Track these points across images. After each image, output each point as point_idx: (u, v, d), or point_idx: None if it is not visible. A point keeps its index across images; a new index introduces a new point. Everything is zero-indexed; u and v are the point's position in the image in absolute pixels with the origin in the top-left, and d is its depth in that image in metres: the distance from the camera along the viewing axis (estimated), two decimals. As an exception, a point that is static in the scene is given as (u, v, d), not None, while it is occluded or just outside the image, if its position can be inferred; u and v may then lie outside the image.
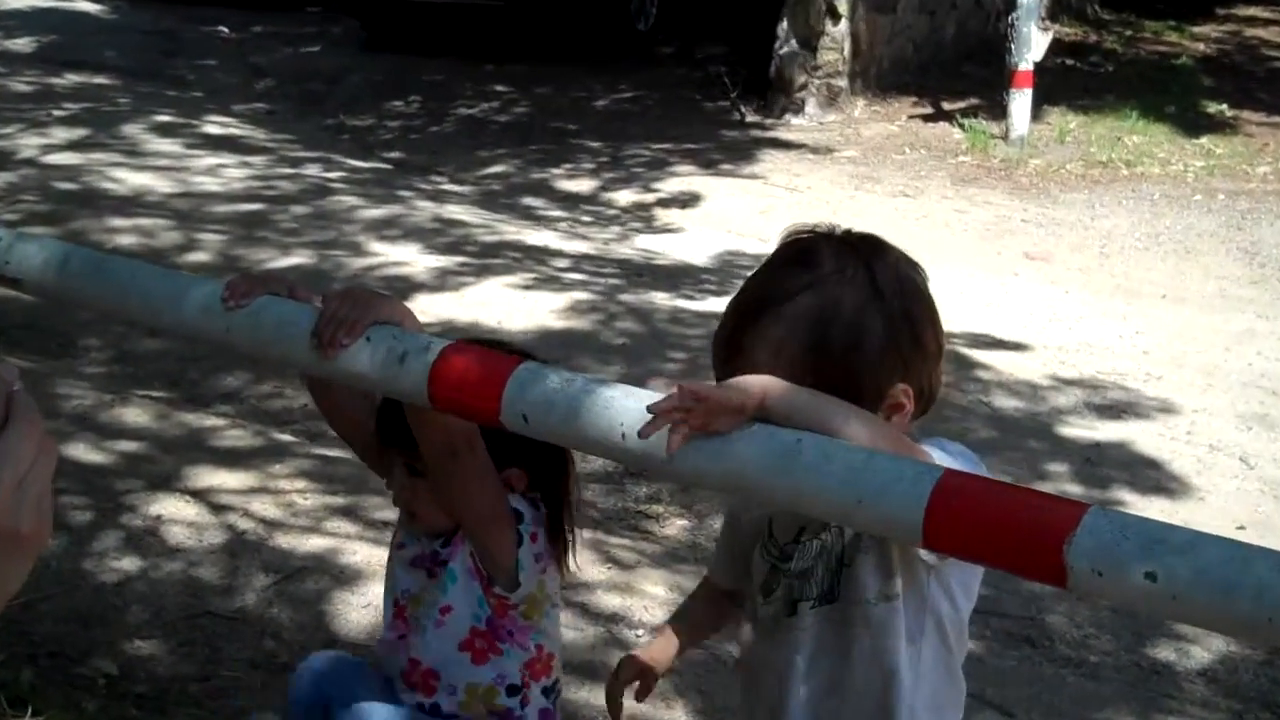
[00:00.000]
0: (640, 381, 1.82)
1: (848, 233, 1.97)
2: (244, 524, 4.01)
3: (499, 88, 12.65)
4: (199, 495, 4.15)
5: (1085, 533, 1.45)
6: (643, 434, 1.66)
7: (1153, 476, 5.19)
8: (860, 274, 1.87)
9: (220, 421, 4.89)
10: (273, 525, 4.02)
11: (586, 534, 4.16)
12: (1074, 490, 4.96)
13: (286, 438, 4.82)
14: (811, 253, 1.91)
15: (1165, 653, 3.94)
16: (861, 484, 1.58)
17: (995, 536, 1.51)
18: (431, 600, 2.37)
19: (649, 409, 1.66)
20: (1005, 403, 5.76)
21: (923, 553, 1.80)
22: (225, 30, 14.65)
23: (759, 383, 1.69)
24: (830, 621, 1.90)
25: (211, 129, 10.23)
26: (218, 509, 4.08)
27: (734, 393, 1.66)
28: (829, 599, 1.90)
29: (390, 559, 2.50)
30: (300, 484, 4.32)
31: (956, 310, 7.11)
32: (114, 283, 2.21)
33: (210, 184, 8.39)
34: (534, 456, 2.31)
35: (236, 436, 4.73)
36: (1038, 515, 1.50)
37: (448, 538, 2.37)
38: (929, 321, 1.92)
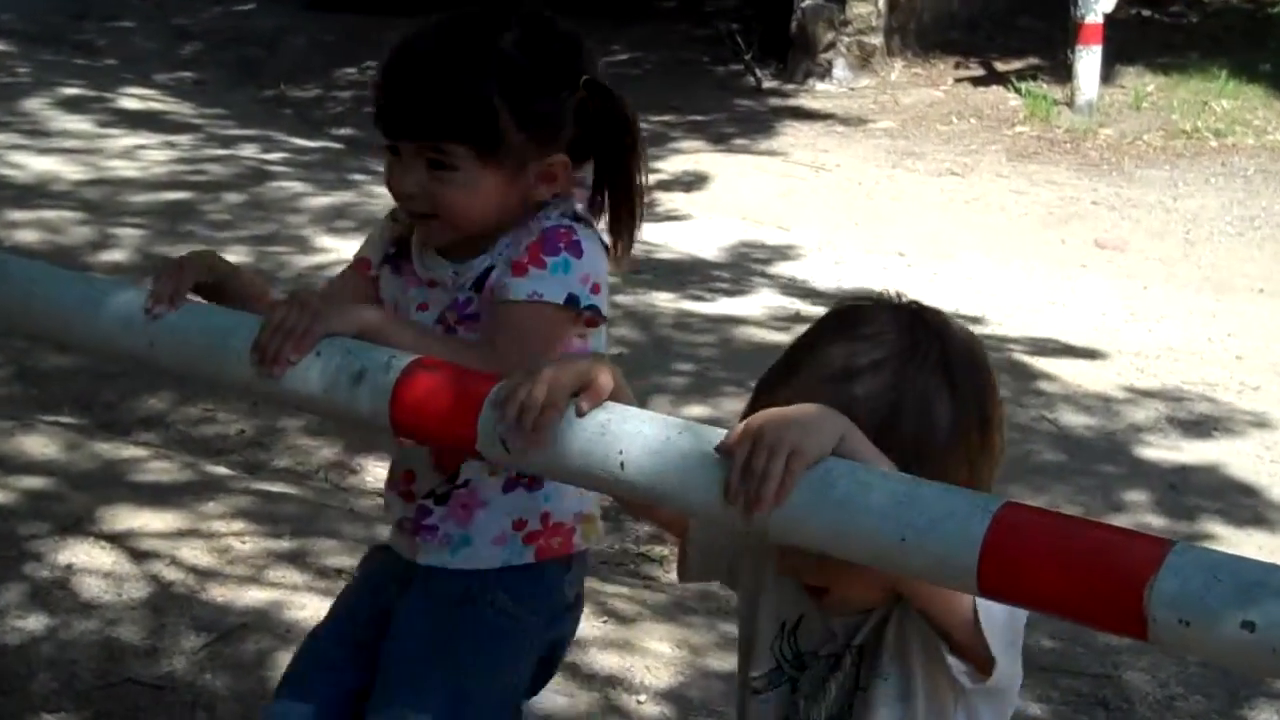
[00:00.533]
0: (644, 401, 1.83)
1: (913, 303, 1.98)
2: (171, 574, 4.01)
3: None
4: (117, 540, 4.15)
5: (1169, 575, 1.46)
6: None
7: (1249, 505, 5.21)
8: (933, 356, 1.87)
9: (142, 452, 4.90)
10: (205, 575, 4.03)
11: (580, 582, 4.17)
12: (1156, 523, 4.97)
13: (221, 470, 4.83)
14: (873, 323, 1.91)
15: (1266, 715, 3.95)
16: (905, 519, 1.59)
17: (1063, 581, 1.52)
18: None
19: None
20: (1074, 420, 5.77)
21: (953, 668, 1.83)
22: (143, -14, 14.69)
23: (838, 428, 1.68)
24: None
25: (128, 103, 10.25)
26: (140, 556, 4.09)
27: (812, 441, 1.66)
28: None
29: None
30: (237, 525, 4.33)
31: (1015, 310, 7.13)
32: (14, 288, 2.21)
33: (127, 169, 8.40)
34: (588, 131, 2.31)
35: (161, 470, 4.73)
36: (1113, 555, 1.51)
37: (478, 280, 2.30)
38: (999, 418, 1.93)
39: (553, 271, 2.24)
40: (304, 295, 2.02)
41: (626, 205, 2.40)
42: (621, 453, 1.75)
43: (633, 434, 1.76)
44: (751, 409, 1.86)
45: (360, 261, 2.44)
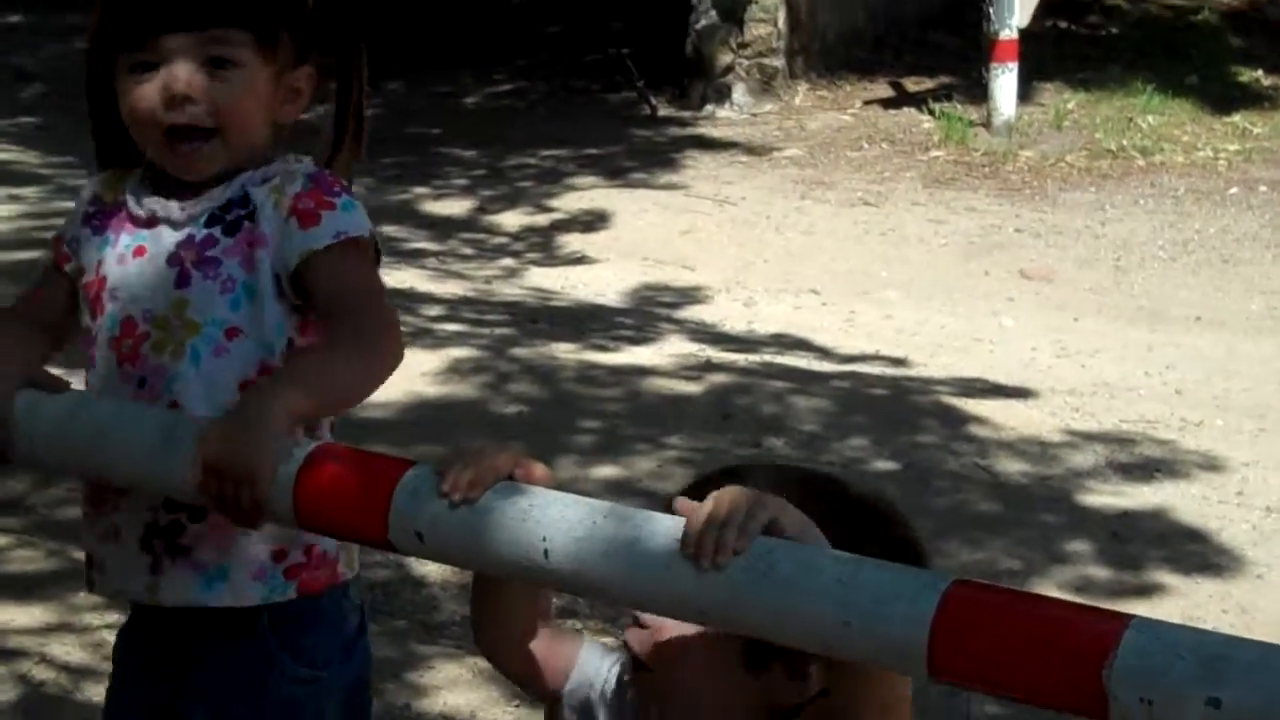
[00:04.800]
0: (548, 462, 1.86)
1: (798, 469, 2.14)
2: (42, 673, 3.99)
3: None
4: (-19, 639, 4.14)
5: (1129, 653, 1.51)
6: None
7: (1197, 552, 5.29)
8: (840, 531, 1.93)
9: (1, 540, 4.86)
10: (80, 673, 4.01)
11: (485, 664, 4.18)
12: (1099, 574, 5.05)
13: (90, 557, 4.80)
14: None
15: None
16: (850, 601, 1.64)
17: (1018, 662, 1.57)
18: (207, 315, 2.23)
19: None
20: (1008, 466, 5.85)
21: None
22: (-25, 24, 14.58)
23: (776, 501, 1.75)
24: None
25: (-34, 154, 10.17)
26: (6, 655, 4.07)
27: (771, 501, 1.73)
28: None
29: (101, 281, 2.30)
30: (112, 617, 4.29)
31: (939, 349, 7.22)
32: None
33: (-30, 227, 8.34)
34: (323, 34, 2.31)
35: (25, 558, 4.71)
36: (1069, 633, 1.57)
37: (218, 216, 2.24)
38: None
39: (344, 210, 2.24)
40: (219, 461, 1.95)
41: (355, 122, 2.38)
42: (545, 540, 1.79)
43: (556, 519, 1.80)
44: None
45: (55, 242, 2.37)
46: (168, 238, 2.26)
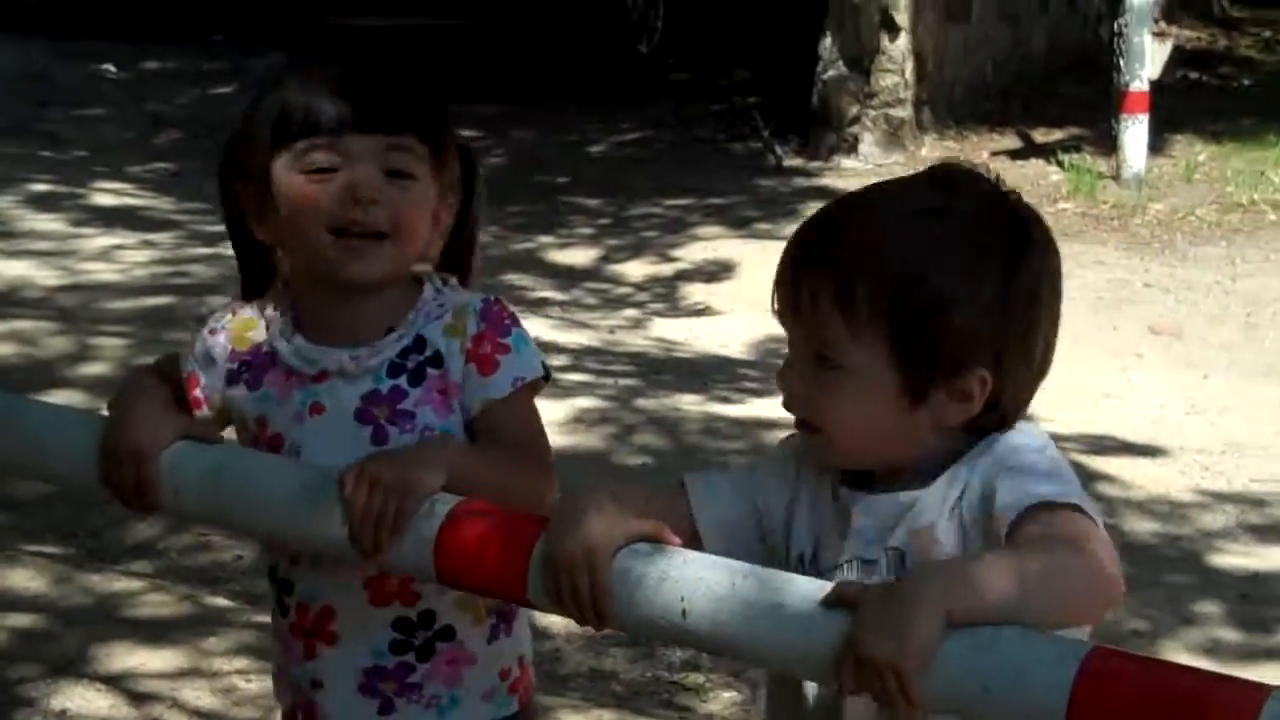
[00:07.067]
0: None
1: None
2: (173, 718, 4.06)
3: (466, 132, 12.73)
4: (114, 681, 4.20)
5: (1270, 724, 1.52)
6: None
7: (1330, 616, 5.23)
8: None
9: (135, 584, 4.94)
10: (210, 718, 4.07)
11: (609, 716, 4.21)
12: (1229, 636, 5.00)
13: (221, 602, 4.86)
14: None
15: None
16: (988, 668, 1.66)
17: (1158, 732, 1.58)
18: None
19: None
20: (1137, 525, 5.81)
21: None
22: (112, 69, 14.83)
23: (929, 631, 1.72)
24: None
25: (102, 199, 10.33)
26: (139, 698, 4.13)
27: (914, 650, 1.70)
28: None
29: (277, 437, 2.29)
30: (241, 663, 4.36)
31: (1068, 405, 7.17)
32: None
33: (105, 272, 8.46)
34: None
35: (157, 602, 4.78)
36: (1208, 703, 1.58)
37: (398, 366, 2.26)
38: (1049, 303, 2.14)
39: (518, 350, 2.26)
40: (376, 471, 2.01)
41: (469, 251, 2.43)
42: (683, 600, 1.82)
43: (694, 579, 1.82)
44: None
45: (189, 378, 2.34)
46: (346, 392, 2.24)
